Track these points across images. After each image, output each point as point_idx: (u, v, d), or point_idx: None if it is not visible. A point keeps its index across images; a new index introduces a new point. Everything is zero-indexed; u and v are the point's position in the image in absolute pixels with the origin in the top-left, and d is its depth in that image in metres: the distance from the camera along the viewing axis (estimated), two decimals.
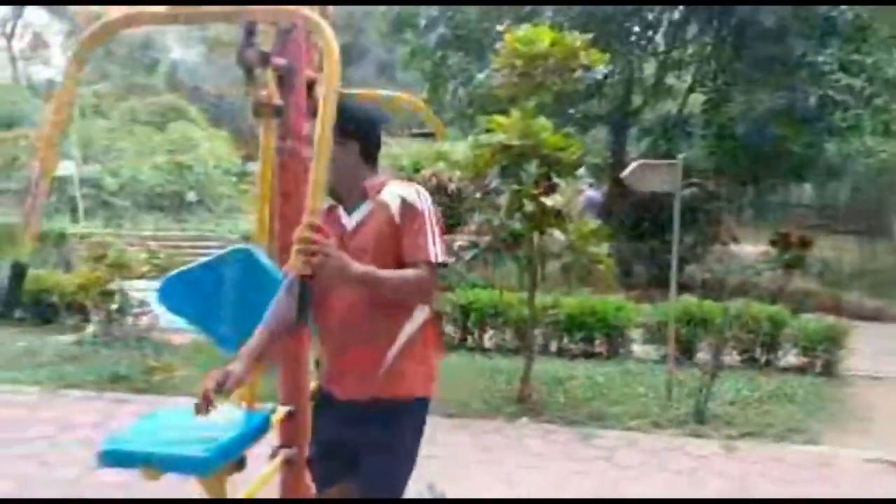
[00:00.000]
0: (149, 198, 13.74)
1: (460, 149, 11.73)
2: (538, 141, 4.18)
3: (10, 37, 25.09)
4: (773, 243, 10.60)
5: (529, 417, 4.42)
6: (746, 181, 10.86)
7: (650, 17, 9.61)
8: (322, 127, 1.77)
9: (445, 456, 3.70)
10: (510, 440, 4.04)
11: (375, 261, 1.84)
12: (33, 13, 25.38)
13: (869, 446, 4.07)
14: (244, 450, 2.12)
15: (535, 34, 4.46)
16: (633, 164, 4.57)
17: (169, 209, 14.26)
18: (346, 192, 1.93)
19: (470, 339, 6.44)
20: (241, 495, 2.26)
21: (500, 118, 4.50)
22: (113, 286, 5.05)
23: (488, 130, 4.59)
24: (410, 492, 2.73)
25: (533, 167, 4.14)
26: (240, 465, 2.15)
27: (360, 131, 1.95)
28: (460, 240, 4.41)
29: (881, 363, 5.89)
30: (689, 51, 10.82)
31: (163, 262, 5.24)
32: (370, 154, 1.97)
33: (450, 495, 3.19)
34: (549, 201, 4.00)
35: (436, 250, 1.86)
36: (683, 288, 8.31)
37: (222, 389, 1.82)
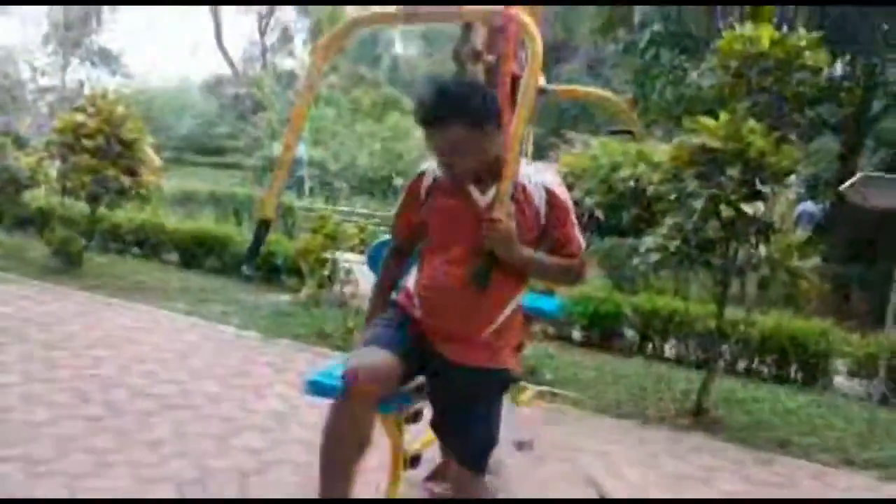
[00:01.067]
0: (363, 180, 15.08)
1: (662, 151, 11.31)
2: (744, 145, 3.98)
3: (262, 32, 28.61)
4: None
5: (704, 432, 4.26)
6: None
7: None
8: (518, 119, 1.95)
9: (611, 453, 3.73)
10: (679, 450, 3.93)
11: (514, 235, 1.97)
12: (283, 11, 28.65)
13: None
14: (420, 402, 2.34)
15: (756, 32, 4.24)
16: (857, 177, 4.17)
17: (378, 191, 15.54)
18: (485, 173, 2.00)
19: (650, 345, 6.30)
20: (415, 446, 2.53)
21: (705, 119, 4.34)
22: (326, 255, 5.69)
23: (692, 131, 4.45)
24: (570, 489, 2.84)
25: (736, 172, 3.95)
26: (416, 416, 2.40)
27: (500, 118, 2.03)
28: (649, 242, 4.33)
29: None
30: None
31: (370, 237, 5.80)
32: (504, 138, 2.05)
33: (609, 492, 3.24)
34: (749, 208, 3.81)
35: (580, 239, 2.07)
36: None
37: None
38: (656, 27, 8.65)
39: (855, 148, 9.13)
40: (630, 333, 6.28)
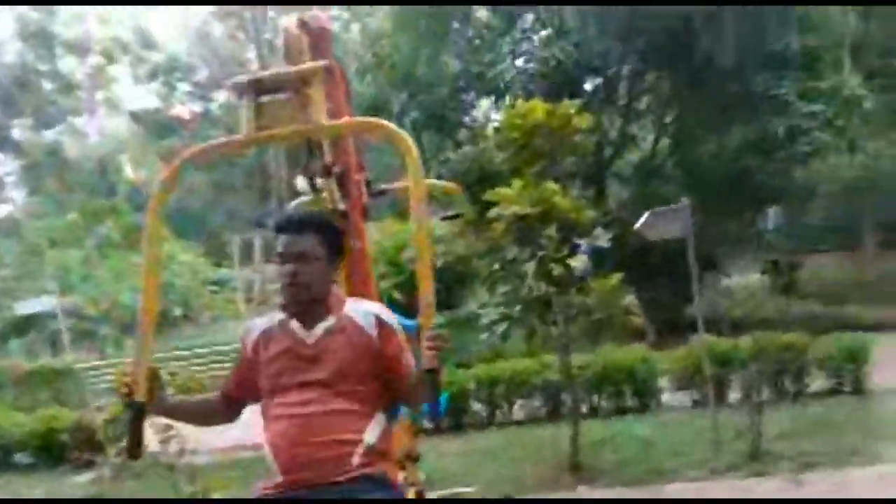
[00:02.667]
0: (132, 321, 13.51)
1: (436, 226, 11.94)
2: (552, 206, 4.27)
3: None
4: (764, 272, 10.89)
5: (586, 484, 4.33)
6: (723, 215, 11.17)
7: (609, 72, 10.09)
8: (419, 228, 1.83)
9: None
10: None
11: (343, 371, 1.92)
12: None
13: None
14: None
15: (530, 108, 4.63)
16: (646, 214, 4.68)
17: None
18: (310, 305, 1.98)
19: (499, 413, 6.35)
20: None
21: (503, 190, 4.59)
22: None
23: (491, 203, 4.66)
24: None
25: (553, 232, 4.21)
26: None
27: (342, 251, 2.09)
28: (492, 314, 4.41)
29: None
30: (647, 101, 11.35)
31: (182, 381, 5.10)
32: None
33: None
34: (575, 262, 4.07)
35: (410, 358, 1.97)
36: (689, 329, 8.39)
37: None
38: (414, 115, 9.17)
39: (601, 191, 10.47)
40: (477, 406, 6.28)
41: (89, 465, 6.37)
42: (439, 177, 10.23)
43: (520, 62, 9.26)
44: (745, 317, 9.00)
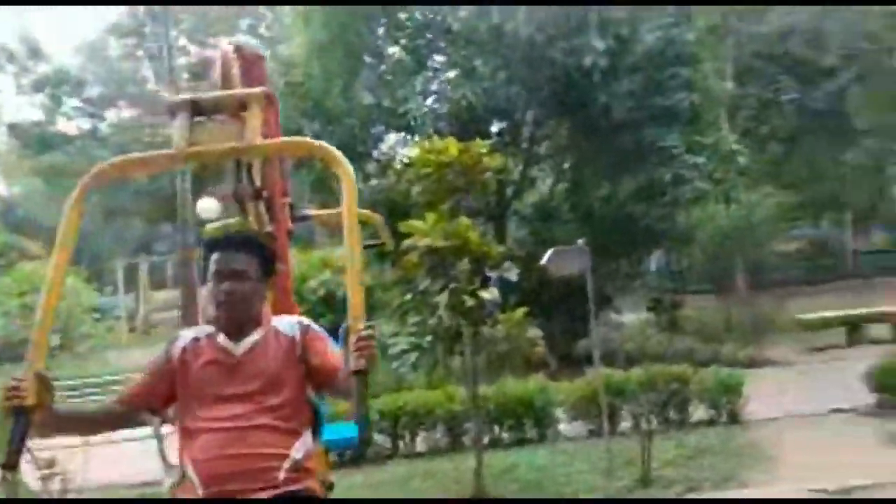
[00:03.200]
0: (4, 346, 12.42)
1: (340, 257, 11.94)
2: (466, 240, 4.44)
3: None
4: (649, 309, 11.58)
5: None
6: (613, 256, 11.86)
7: (514, 117, 10.58)
8: (352, 240, 1.91)
9: None
10: None
11: (271, 383, 1.98)
12: None
13: (792, 481, 4.48)
14: None
15: (444, 145, 4.82)
16: (550, 251, 4.95)
17: (21, 359, 12.93)
18: (242, 321, 2.05)
19: (402, 444, 6.36)
20: None
21: (416, 223, 4.73)
22: None
23: (402, 235, 4.78)
24: None
25: (465, 264, 4.37)
26: None
27: (273, 271, 2.20)
28: (402, 343, 4.48)
29: (770, 405, 6.51)
30: (547, 146, 11.97)
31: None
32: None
33: None
34: (487, 294, 4.23)
35: (338, 358, 2.01)
36: (581, 362, 8.79)
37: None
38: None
39: (502, 228, 10.86)
40: (380, 438, 6.26)
41: None
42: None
43: (429, 101, 9.53)
44: (634, 351, 9.51)
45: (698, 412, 6.34)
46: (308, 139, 2.16)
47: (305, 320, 2.15)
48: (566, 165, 11.73)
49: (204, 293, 2.24)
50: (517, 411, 6.20)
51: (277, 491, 1.85)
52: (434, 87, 9.47)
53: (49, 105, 25.62)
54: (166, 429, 5.80)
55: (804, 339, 10.77)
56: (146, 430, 5.78)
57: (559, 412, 6.44)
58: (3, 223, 22.74)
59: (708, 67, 10.37)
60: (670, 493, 4.42)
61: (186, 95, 2.11)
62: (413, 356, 4.47)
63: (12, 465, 1.67)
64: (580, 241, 4.96)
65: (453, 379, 6.32)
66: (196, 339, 2.05)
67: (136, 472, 5.93)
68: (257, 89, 2.17)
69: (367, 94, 9.30)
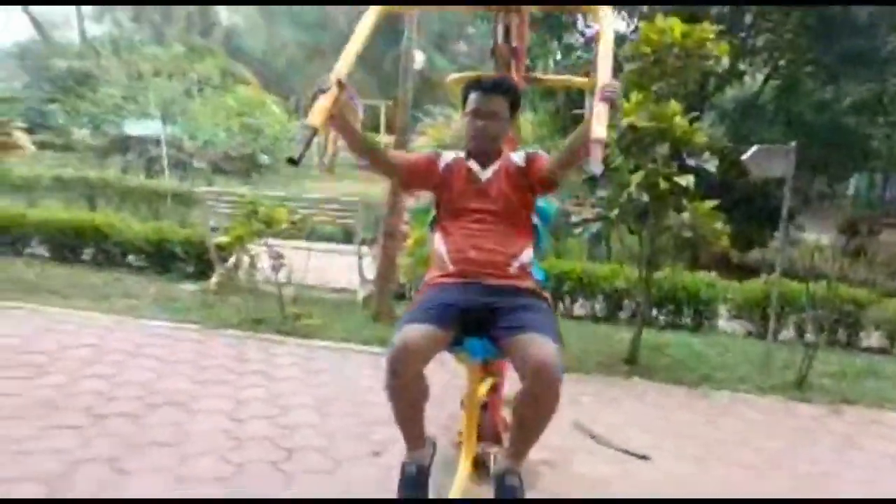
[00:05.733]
0: (223, 160, 14.33)
1: (522, 123, 12.17)
2: (669, 124, 4.54)
3: None
4: (841, 231, 10.89)
5: (640, 377, 4.85)
6: (814, 169, 11.06)
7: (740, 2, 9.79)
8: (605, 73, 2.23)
9: (574, 402, 4.16)
10: (630, 394, 4.48)
11: (509, 199, 2.49)
12: None
13: None
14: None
15: (668, 25, 4.79)
16: (753, 149, 4.91)
17: (240, 171, 14.87)
18: (490, 152, 2.55)
19: (560, 305, 6.88)
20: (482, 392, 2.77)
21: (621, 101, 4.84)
22: (260, 243, 5.56)
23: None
24: (561, 428, 3.18)
25: (665, 149, 4.51)
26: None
27: (517, 112, 2.61)
28: (585, 213, 4.80)
29: None
30: (765, 39, 10.99)
31: (301, 222, 5.72)
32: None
33: (599, 434, 3.67)
34: (681, 180, 4.38)
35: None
36: (751, 271, 8.65)
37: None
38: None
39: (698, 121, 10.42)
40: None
41: (196, 276, 7.25)
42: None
43: None
44: (810, 269, 9.14)
45: (870, 339, 6.21)
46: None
47: (531, 149, 2.63)
48: (782, 62, 10.78)
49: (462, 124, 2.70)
50: (678, 298, 6.43)
51: (507, 281, 2.39)
52: None
53: None
54: (365, 250, 6.72)
55: None
56: (352, 248, 6.73)
57: (722, 309, 6.59)
58: (224, 50, 25.01)
59: None
60: (823, 401, 4.56)
61: None
62: (595, 226, 4.77)
63: (296, 162, 2.11)
64: (792, 144, 4.86)
65: (626, 258, 6.59)
66: (454, 161, 2.61)
67: (341, 281, 7.02)
68: None
69: None
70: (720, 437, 3.84)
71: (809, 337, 5.50)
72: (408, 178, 2.63)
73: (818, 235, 11.75)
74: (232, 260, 6.93)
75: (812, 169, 11.02)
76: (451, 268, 2.44)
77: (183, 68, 16.13)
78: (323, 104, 2.17)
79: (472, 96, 2.53)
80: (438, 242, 2.54)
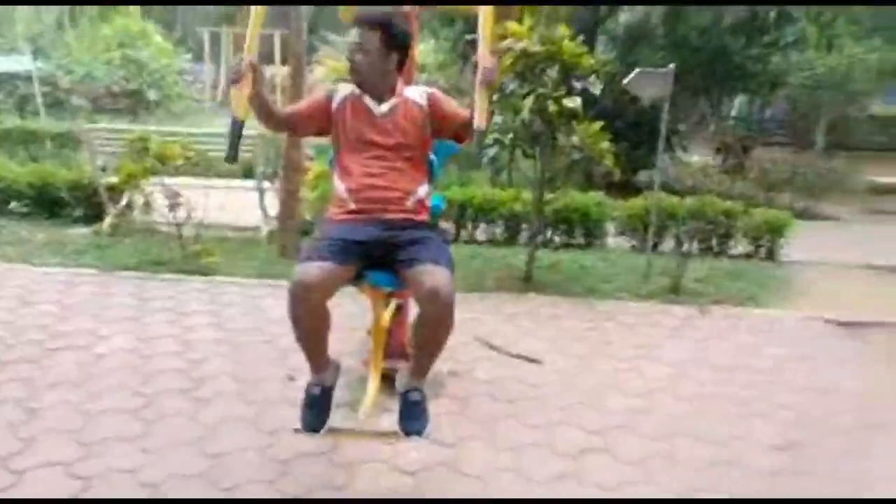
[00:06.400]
0: (106, 96, 13.44)
1: (423, 51, 12.11)
2: (560, 48, 4.73)
3: None
4: (717, 150, 11.69)
5: (535, 292, 5.21)
6: (696, 91, 11.71)
7: None
8: (484, 46, 2.43)
9: (476, 319, 4.46)
10: (526, 308, 4.83)
11: (407, 135, 2.58)
12: None
13: (808, 310, 5.08)
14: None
15: None
16: (635, 72, 5.20)
17: (125, 108, 14.01)
18: (379, 86, 2.59)
19: (464, 232, 7.14)
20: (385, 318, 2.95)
21: (514, 25, 4.97)
22: (154, 180, 5.40)
23: (502, 37, 5.05)
24: (465, 343, 3.44)
25: (554, 72, 4.71)
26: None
27: (403, 47, 2.62)
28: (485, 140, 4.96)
29: (812, 252, 6.97)
30: None
31: (197, 156, 5.57)
32: (402, 64, 2.66)
33: (499, 346, 3.99)
34: (569, 103, 4.62)
35: (464, 110, 2.59)
36: (639, 190, 9.22)
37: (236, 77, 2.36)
38: None
39: (591, 45, 10.75)
40: (446, 225, 7.02)
41: (86, 220, 6.96)
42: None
43: None
44: (692, 187, 9.87)
45: (739, 247, 6.86)
46: None
47: (430, 89, 2.71)
48: None
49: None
50: (571, 219, 6.82)
51: (405, 215, 2.53)
52: None
53: None
54: (267, 185, 6.66)
55: (869, 203, 10.88)
56: (252, 183, 6.65)
57: (610, 227, 7.05)
58: None
59: None
60: (696, 302, 5.08)
61: None
62: (492, 151, 4.98)
63: (233, 159, 2.32)
64: (671, 66, 5.18)
65: (522, 181, 6.87)
66: (349, 95, 2.64)
67: (242, 218, 6.94)
68: None
69: None
70: (602, 339, 4.27)
71: (685, 248, 6.02)
72: (297, 128, 2.70)
73: (702, 157, 12.57)
74: (124, 201, 6.70)
75: (695, 91, 11.68)
76: (351, 205, 2.54)
77: None
78: (243, 92, 2.28)
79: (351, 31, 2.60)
80: (337, 180, 2.62)
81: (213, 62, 22.50)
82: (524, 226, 7.00)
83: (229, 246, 6.05)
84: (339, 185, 2.59)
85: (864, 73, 11.40)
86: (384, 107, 2.61)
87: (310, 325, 2.36)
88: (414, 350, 2.47)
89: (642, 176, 11.13)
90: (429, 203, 2.68)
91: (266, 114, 2.55)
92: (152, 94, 13.73)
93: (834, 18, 9.67)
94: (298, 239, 5.97)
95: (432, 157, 2.77)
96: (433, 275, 2.27)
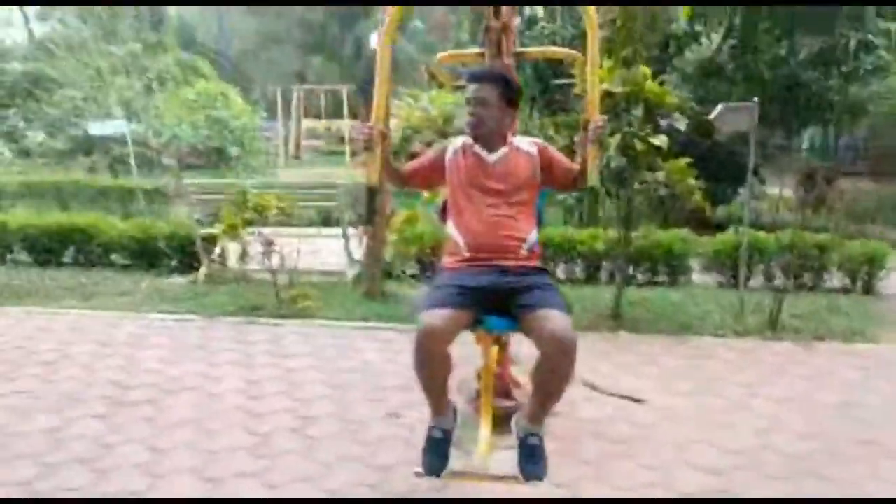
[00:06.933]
0: (190, 154, 14.23)
1: None
2: (641, 87, 4.78)
3: None
4: (800, 181, 11.34)
5: (627, 330, 5.13)
6: (773, 124, 11.46)
7: None
8: (594, 55, 2.55)
9: (580, 358, 4.42)
10: (619, 346, 4.76)
11: (518, 182, 2.66)
12: None
13: None
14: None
15: None
16: (719, 107, 5.18)
17: (209, 165, 14.77)
18: (495, 138, 2.70)
19: None
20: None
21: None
22: (252, 230, 5.66)
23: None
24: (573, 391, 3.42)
25: (639, 111, 4.75)
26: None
27: (516, 100, 2.77)
28: None
29: None
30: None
31: (290, 208, 5.82)
32: (514, 116, 2.81)
33: (603, 388, 3.94)
34: (656, 141, 4.63)
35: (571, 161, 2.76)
36: (719, 226, 9.01)
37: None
38: None
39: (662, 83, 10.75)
40: None
41: (182, 270, 7.32)
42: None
43: None
44: (779, 220, 9.56)
45: (833, 280, 6.59)
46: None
47: (539, 141, 2.82)
48: (737, 20, 11.11)
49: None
50: (654, 256, 6.72)
51: (520, 262, 2.59)
52: None
53: None
54: (352, 231, 6.88)
55: None
56: (335, 231, 6.85)
57: (694, 263, 6.91)
58: (179, 43, 24.53)
59: None
60: (797, 338, 4.89)
61: None
62: (575, 192, 5.01)
63: (373, 223, 2.47)
64: (754, 100, 5.14)
65: (604, 221, 6.85)
66: (462, 145, 2.76)
67: (328, 263, 7.16)
68: None
69: None
70: (704, 376, 4.15)
71: (778, 282, 5.83)
72: (419, 184, 2.89)
73: (779, 188, 12.20)
74: (218, 250, 7.03)
75: (770, 124, 11.43)
76: (466, 253, 2.62)
77: (140, 65, 15.87)
78: (374, 160, 2.45)
79: (467, 87, 2.72)
80: (452, 228, 2.70)
81: (285, 117, 23.60)
82: (603, 264, 6.95)
83: (319, 290, 6.23)
84: (454, 233, 2.67)
85: None
86: (495, 155, 2.71)
87: (435, 370, 2.41)
88: (534, 394, 2.48)
89: (720, 211, 10.88)
90: (539, 249, 2.72)
91: (391, 174, 2.75)
92: (234, 151, 14.42)
93: None
94: (382, 282, 6.11)
95: (540, 204, 2.84)
96: (554, 320, 2.33)
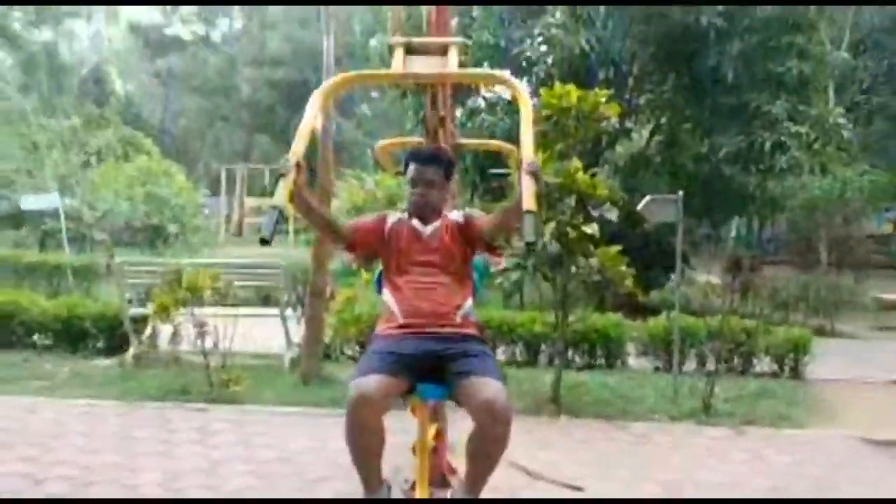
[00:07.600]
0: (125, 231, 13.90)
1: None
2: (573, 179, 5.00)
3: None
4: (726, 269, 11.89)
5: (566, 415, 5.14)
6: (697, 215, 12.10)
7: (623, 67, 10.81)
8: (527, 136, 2.53)
9: (514, 441, 4.38)
10: (558, 431, 4.76)
11: (450, 251, 2.74)
12: None
13: (843, 428, 4.98)
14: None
15: (565, 91, 5.32)
16: (647, 199, 5.46)
17: (144, 242, 14.42)
18: (430, 211, 2.81)
19: None
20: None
21: None
22: (184, 311, 5.50)
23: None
24: (500, 468, 3.41)
25: (572, 201, 4.95)
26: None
27: (451, 177, 2.93)
28: (506, 263, 5.14)
29: (835, 369, 6.92)
30: (646, 99, 12.15)
31: (226, 287, 5.70)
32: (448, 191, 2.94)
33: (535, 471, 3.90)
34: (588, 229, 4.81)
35: None
36: (651, 311, 9.29)
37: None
38: None
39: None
40: None
41: (108, 352, 6.99)
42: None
43: (543, 46, 9.85)
44: (707, 306, 9.92)
45: (762, 365, 6.83)
46: (495, 71, 2.83)
47: (468, 210, 2.97)
48: (664, 120, 11.90)
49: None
50: (591, 339, 6.84)
51: (453, 329, 2.62)
52: (552, 32, 9.71)
53: (167, 9, 27.06)
54: (289, 312, 6.76)
55: (879, 319, 10.91)
56: (275, 311, 6.72)
57: (630, 347, 7.06)
58: (121, 119, 24.40)
59: (824, 36, 10.26)
60: (729, 423, 5.00)
61: (402, 38, 2.77)
62: (514, 275, 5.12)
63: (267, 242, 2.27)
64: (679, 193, 5.44)
65: (538, 304, 6.96)
66: (398, 220, 2.85)
67: (264, 345, 6.97)
68: (458, 38, 2.81)
69: (484, 33, 9.73)
70: (640, 462, 4.17)
71: (710, 367, 6.00)
72: (355, 242, 2.85)
73: (707, 275, 12.74)
74: (147, 331, 6.77)
75: (697, 215, 12.07)
76: (401, 320, 2.64)
77: (80, 139, 15.65)
78: (285, 185, 2.41)
79: (411, 167, 2.81)
80: (388, 297, 2.73)
81: (229, 195, 23.48)
82: (543, 346, 7.01)
83: (253, 374, 6.03)
84: (390, 301, 2.71)
85: (857, 194, 11.84)
86: (429, 228, 2.80)
87: (367, 440, 2.37)
88: (469, 465, 2.47)
89: (653, 296, 11.24)
90: (473, 318, 2.76)
91: (306, 209, 2.66)
92: (172, 228, 14.16)
93: (824, 145, 10.20)
94: (321, 365, 5.97)
95: (475, 275, 2.91)
96: (488, 386, 2.34)
